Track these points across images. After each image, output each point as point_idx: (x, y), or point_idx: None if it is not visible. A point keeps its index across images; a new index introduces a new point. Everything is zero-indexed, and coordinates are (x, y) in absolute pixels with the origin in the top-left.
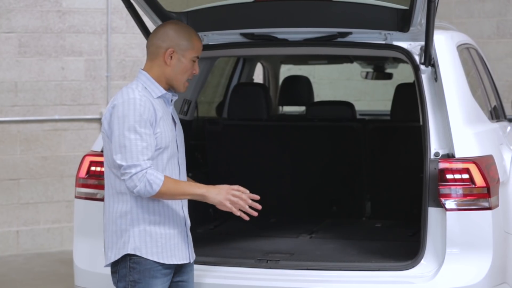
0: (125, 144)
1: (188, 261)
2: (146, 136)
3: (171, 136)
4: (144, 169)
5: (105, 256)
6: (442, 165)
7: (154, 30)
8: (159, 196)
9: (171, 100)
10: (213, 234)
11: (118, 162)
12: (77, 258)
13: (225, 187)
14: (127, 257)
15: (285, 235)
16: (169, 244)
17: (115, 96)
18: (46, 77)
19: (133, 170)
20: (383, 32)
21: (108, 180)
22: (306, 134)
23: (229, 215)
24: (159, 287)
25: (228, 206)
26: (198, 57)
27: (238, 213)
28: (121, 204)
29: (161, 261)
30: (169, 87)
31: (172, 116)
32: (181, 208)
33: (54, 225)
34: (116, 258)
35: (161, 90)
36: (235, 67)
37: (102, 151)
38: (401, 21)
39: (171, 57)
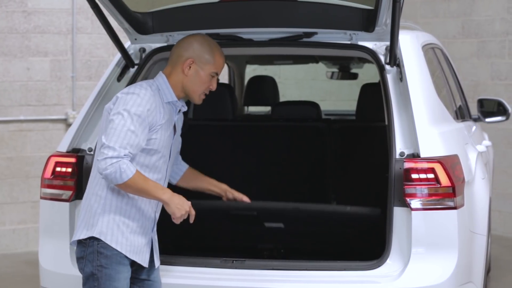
0: (116, 127)
1: (146, 266)
2: (138, 132)
3: (166, 143)
4: (120, 158)
5: (75, 231)
6: (407, 164)
7: (180, 40)
8: (123, 187)
9: (179, 110)
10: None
11: (103, 140)
12: (43, 259)
13: (187, 204)
14: (95, 242)
15: None
16: (133, 240)
17: (129, 86)
18: (11, 77)
19: (110, 153)
20: (349, 32)
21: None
22: (272, 134)
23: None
24: (126, 275)
25: (178, 218)
26: (217, 74)
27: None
28: (99, 187)
29: (123, 252)
30: (185, 96)
31: (174, 125)
32: (154, 212)
33: (19, 226)
34: (81, 238)
35: (172, 97)
36: None
37: (67, 152)
38: (366, 21)
39: (190, 67)
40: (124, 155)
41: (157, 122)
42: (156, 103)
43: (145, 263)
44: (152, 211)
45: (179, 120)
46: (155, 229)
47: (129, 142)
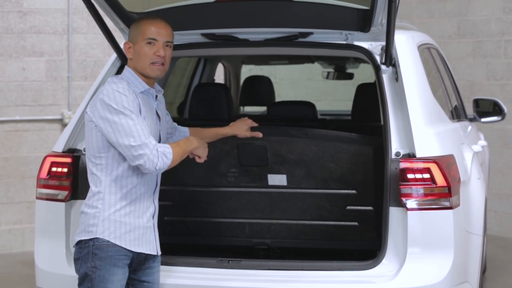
0: (130, 127)
1: (155, 253)
2: (139, 118)
3: (154, 130)
4: (153, 145)
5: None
6: (403, 164)
7: None
8: (172, 164)
9: (156, 96)
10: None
11: (127, 143)
12: (39, 259)
13: (203, 142)
14: (90, 243)
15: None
16: (137, 233)
17: (101, 88)
18: (7, 77)
19: (147, 150)
20: (344, 32)
21: (87, 165)
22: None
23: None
24: (120, 277)
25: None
26: (154, 39)
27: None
28: (94, 186)
29: (129, 248)
30: (149, 80)
31: (156, 111)
32: (152, 201)
33: (15, 226)
34: (80, 239)
35: (143, 86)
36: (196, 68)
37: (63, 152)
38: (362, 21)
39: (130, 50)
40: (154, 142)
41: (140, 112)
42: (133, 94)
43: (153, 251)
44: (150, 200)
45: (159, 105)
46: (156, 216)
47: (143, 131)
